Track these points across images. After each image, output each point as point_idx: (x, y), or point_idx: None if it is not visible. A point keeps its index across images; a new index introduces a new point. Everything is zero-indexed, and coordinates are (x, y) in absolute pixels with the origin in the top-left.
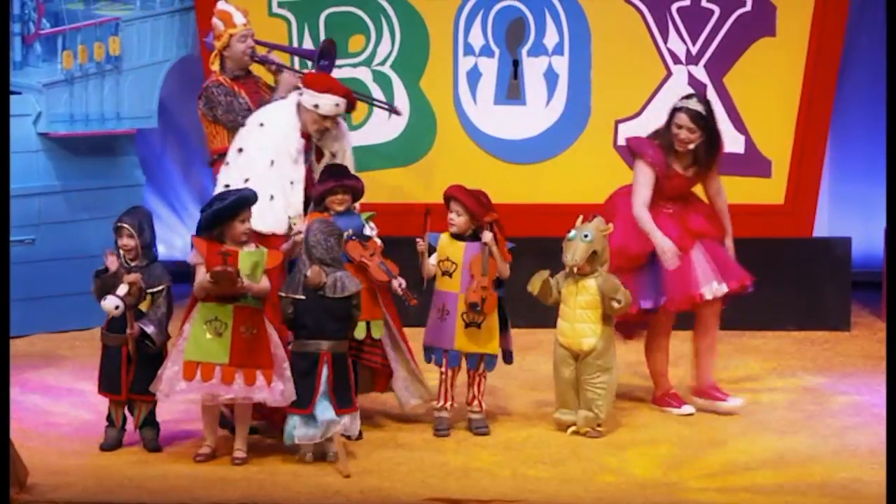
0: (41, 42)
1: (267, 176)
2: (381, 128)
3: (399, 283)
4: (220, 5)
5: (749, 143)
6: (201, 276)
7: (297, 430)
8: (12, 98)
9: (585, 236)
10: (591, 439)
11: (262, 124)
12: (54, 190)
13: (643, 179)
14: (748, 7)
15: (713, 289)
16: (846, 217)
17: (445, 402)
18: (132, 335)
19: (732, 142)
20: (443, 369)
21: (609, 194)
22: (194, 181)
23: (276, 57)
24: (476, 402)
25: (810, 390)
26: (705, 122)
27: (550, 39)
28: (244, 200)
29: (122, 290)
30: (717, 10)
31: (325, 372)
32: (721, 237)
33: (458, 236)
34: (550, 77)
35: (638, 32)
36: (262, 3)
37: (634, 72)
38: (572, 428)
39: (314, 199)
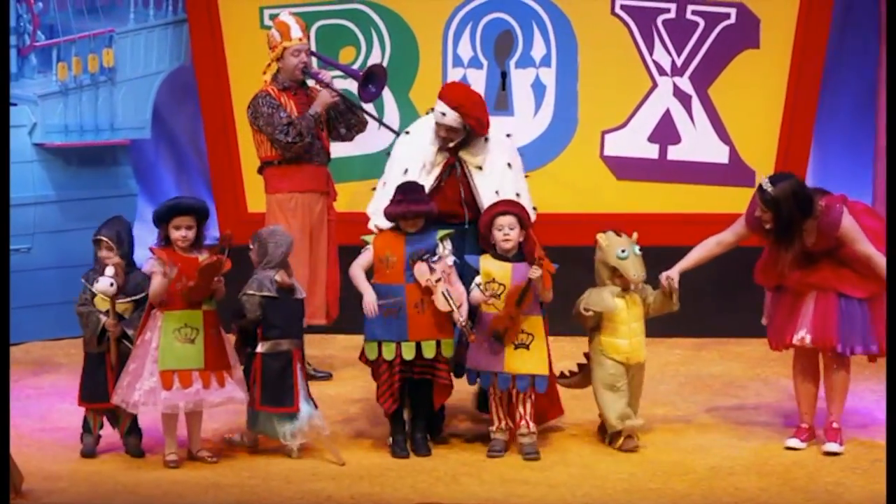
0: (36, 54)
1: (398, 182)
2: (371, 138)
3: (460, 317)
4: (282, 16)
5: (733, 154)
6: (158, 284)
7: (286, 427)
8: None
9: (639, 250)
10: (579, 446)
11: (408, 132)
12: (49, 199)
13: (738, 222)
14: (732, 20)
15: (799, 337)
16: None
17: (500, 422)
18: (113, 327)
19: (716, 152)
20: (493, 391)
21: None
22: (187, 190)
23: (326, 75)
24: (524, 424)
25: (794, 397)
26: (773, 203)
27: (538, 51)
28: (175, 209)
29: (110, 271)
30: (701, 22)
31: (298, 368)
32: (857, 295)
33: (503, 256)
34: (538, 88)
35: (624, 44)
36: (255, 16)
37: (620, 83)
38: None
39: (387, 216)
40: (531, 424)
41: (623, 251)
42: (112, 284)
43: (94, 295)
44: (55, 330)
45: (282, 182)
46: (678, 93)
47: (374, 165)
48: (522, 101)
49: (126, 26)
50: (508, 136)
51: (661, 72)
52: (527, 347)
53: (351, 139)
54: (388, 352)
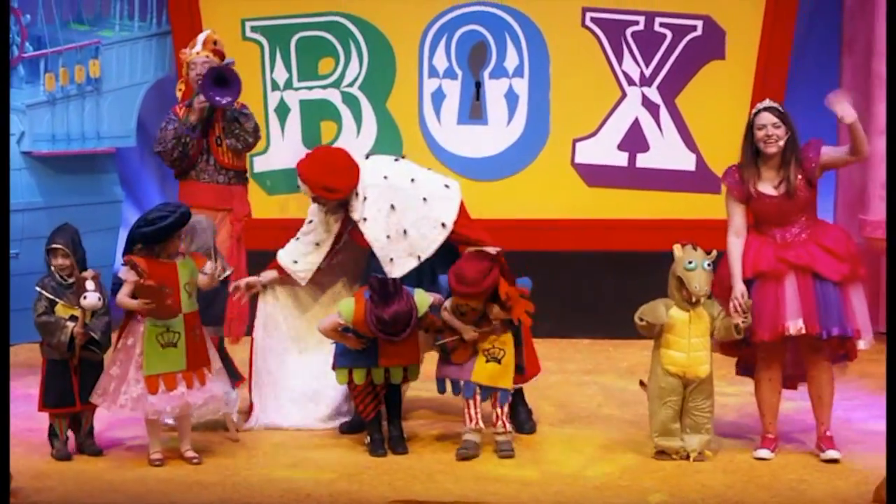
0: (24, 65)
1: (306, 235)
2: (349, 146)
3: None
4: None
5: (700, 161)
6: (128, 292)
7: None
8: None
9: (708, 265)
10: (552, 444)
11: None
12: (37, 206)
13: (729, 208)
14: (699, 32)
15: (796, 325)
16: None
17: (471, 422)
18: (81, 335)
19: (683, 160)
20: (462, 397)
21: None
22: (171, 197)
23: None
24: (500, 423)
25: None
26: (788, 118)
27: (511, 62)
28: (185, 217)
29: (91, 285)
30: (669, 34)
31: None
32: (836, 279)
33: None
34: (511, 98)
35: (594, 56)
36: (236, 27)
37: (591, 93)
38: (690, 453)
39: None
40: (507, 424)
41: (690, 262)
42: (99, 299)
43: (53, 303)
44: None
45: (181, 198)
46: (647, 102)
47: None
48: (496, 110)
49: (111, 38)
50: (386, 176)
51: (630, 82)
52: (498, 361)
53: (241, 149)
54: (359, 377)
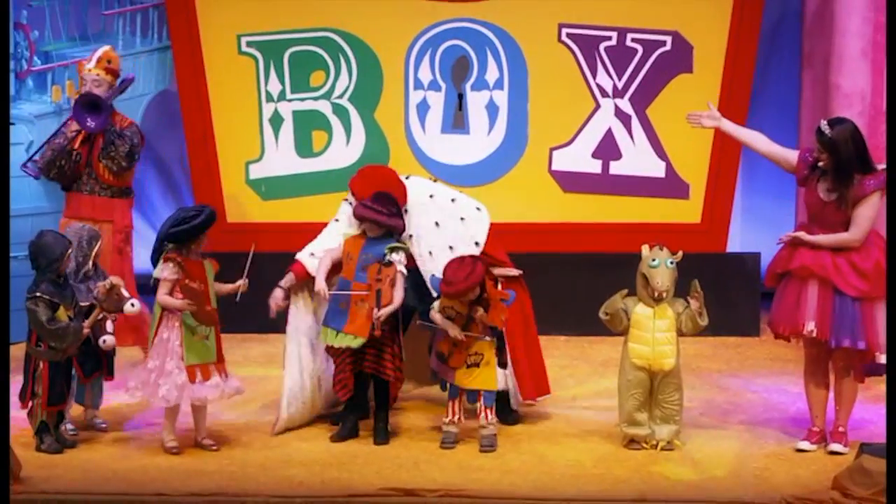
0: (33, 78)
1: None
2: (339, 154)
3: (376, 314)
4: None
5: (669, 169)
6: (168, 289)
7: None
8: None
9: (671, 263)
10: (531, 435)
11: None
12: (44, 211)
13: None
14: (668, 47)
15: (810, 327)
16: (756, 234)
17: (453, 416)
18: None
19: (654, 167)
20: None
21: None
22: (172, 203)
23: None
24: (484, 417)
25: (724, 389)
26: (828, 144)
27: (491, 75)
28: (213, 216)
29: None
30: (640, 49)
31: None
32: (854, 295)
33: None
34: (492, 109)
35: (570, 69)
36: (233, 42)
37: (567, 104)
38: (658, 442)
39: (355, 215)
40: (490, 417)
41: (654, 261)
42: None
43: (55, 310)
44: None
45: (66, 209)
46: (619, 113)
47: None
48: (478, 120)
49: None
50: (431, 195)
51: (604, 94)
52: (477, 366)
53: (114, 170)
54: (328, 337)
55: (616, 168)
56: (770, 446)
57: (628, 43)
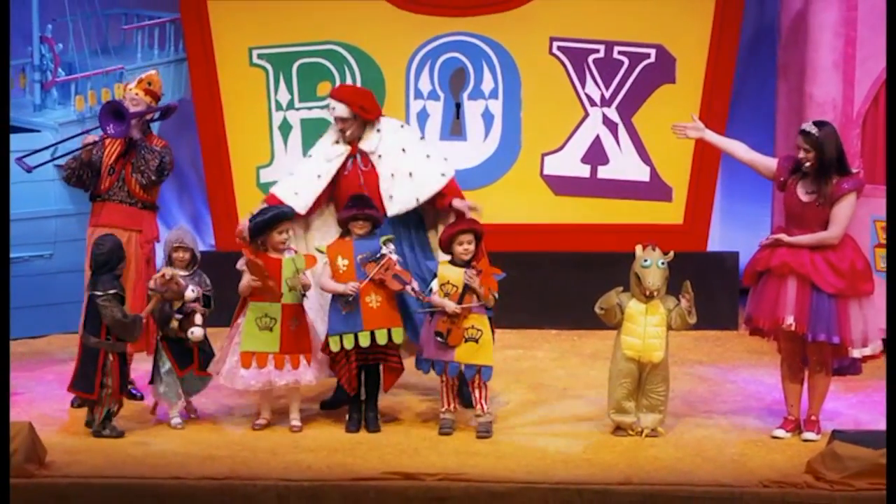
0: (57, 88)
1: (302, 170)
2: None
3: (412, 287)
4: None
5: (653, 173)
6: (247, 279)
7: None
8: (33, 135)
9: (662, 263)
10: (524, 422)
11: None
12: (68, 213)
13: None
14: (652, 59)
15: (789, 321)
16: (734, 235)
17: (449, 405)
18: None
19: (639, 172)
20: (443, 378)
21: None
22: (188, 207)
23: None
24: (480, 407)
25: (705, 380)
26: (815, 143)
27: (487, 85)
28: (282, 215)
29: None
30: (626, 61)
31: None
32: (830, 292)
33: (458, 263)
34: (487, 117)
35: (560, 80)
36: (244, 55)
37: (557, 113)
38: (643, 429)
39: (339, 223)
40: (486, 406)
41: (646, 261)
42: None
43: (123, 304)
44: (73, 324)
45: (92, 216)
46: (606, 121)
47: None
48: (474, 128)
49: (134, 64)
50: (402, 126)
51: (592, 103)
52: (476, 341)
53: (144, 184)
54: (349, 342)
55: (604, 172)
56: (748, 433)
57: (615, 55)
